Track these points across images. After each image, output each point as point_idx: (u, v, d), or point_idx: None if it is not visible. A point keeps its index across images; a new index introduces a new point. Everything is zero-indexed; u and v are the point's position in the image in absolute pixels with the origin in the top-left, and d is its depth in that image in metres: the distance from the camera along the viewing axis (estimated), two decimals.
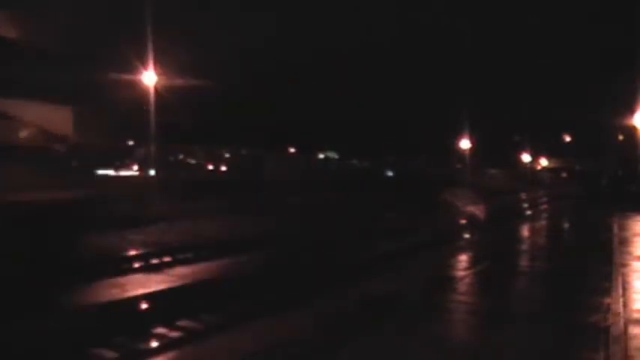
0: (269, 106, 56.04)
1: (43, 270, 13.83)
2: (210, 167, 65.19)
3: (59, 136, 36.68)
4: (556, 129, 74.53)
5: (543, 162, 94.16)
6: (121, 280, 13.24)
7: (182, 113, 42.10)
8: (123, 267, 14.44)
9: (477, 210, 29.85)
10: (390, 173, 70.25)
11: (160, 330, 9.85)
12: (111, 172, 52.11)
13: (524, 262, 16.05)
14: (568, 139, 77.63)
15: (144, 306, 11.23)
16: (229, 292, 12.26)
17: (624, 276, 12.31)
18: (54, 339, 9.11)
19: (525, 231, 23.81)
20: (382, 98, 62.65)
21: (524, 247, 19.35)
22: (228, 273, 14.16)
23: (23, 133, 33.88)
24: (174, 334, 9.70)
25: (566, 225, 28.11)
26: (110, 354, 8.75)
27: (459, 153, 62.74)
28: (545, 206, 43.51)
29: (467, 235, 23.03)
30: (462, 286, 11.85)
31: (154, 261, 15.27)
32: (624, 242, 18.24)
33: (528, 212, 36.67)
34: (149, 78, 31.70)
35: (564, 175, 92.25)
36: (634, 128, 36.05)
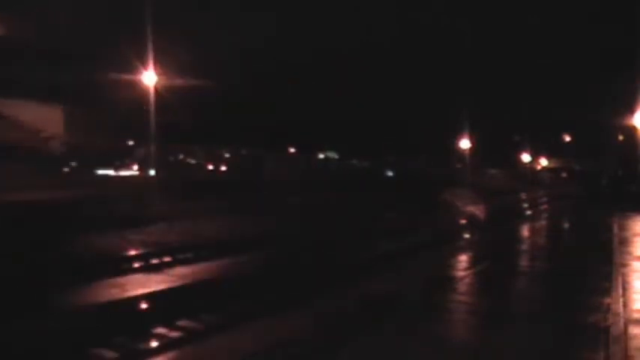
0: (269, 106, 56.06)
1: (43, 270, 13.84)
2: (210, 167, 65.27)
3: (57, 136, 36.73)
4: (556, 129, 74.53)
5: (543, 162, 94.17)
6: (121, 280, 13.24)
7: (182, 113, 42.11)
8: (123, 267, 14.44)
9: (477, 210, 29.85)
10: (390, 173, 70.33)
11: (160, 330, 9.85)
12: (111, 172, 52.15)
13: (524, 262, 16.04)
14: (568, 139, 77.62)
15: (144, 306, 11.23)
16: (229, 292, 12.26)
17: (624, 276, 12.31)
18: (54, 339, 9.11)
19: (525, 231, 23.80)
20: (382, 98, 62.66)
21: (524, 247, 19.34)
22: (228, 273, 14.15)
23: (21, 133, 33.90)
24: (174, 334, 9.70)
25: (566, 225, 28.10)
26: (110, 354, 8.75)
27: (459, 153, 62.77)
28: (545, 206, 43.50)
29: (467, 235, 23.03)
30: (462, 286, 11.85)
31: (154, 261, 15.27)
32: (624, 242, 18.24)
33: (528, 212, 36.66)
34: (149, 78, 31.70)
35: (564, 175, 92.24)
36: (634, 128, 36.05)
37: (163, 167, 48.01)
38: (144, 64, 31.63)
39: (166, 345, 8.71)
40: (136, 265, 14.85)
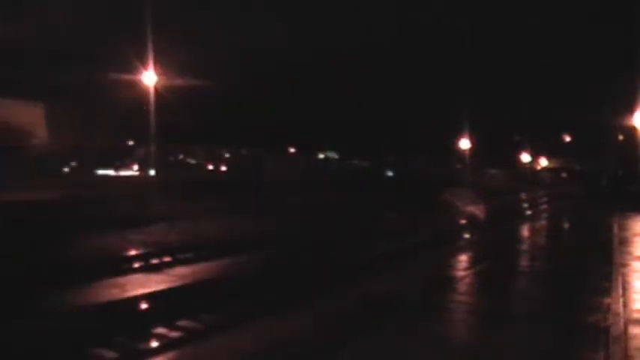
0: (269, 106, 56.10)
1: (43, 270, 13.84)
2: (210, 167, 65.31)
3: (41, 135, 36.68)
4: (556, 129, 74.56)
5: (543, 162, 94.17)
6: (121, 280, 13.23)
7: (182, 113, 42.13)
8: (123, 267, 14.43)
9: (477, 210, 29.85)
10: (390, 173, 70.32)
11: (160, 330, 9.84)
12: (111, 172, 52.18)
13: (524, 262, 16.04)
14: (568, 139, 77.63)
15: (144, 306, 11.22)
16: (229, 292, 12.25)
17: (624, 276, 12.31)
18: (54, 339, 9.11)
19: (525, 231, 23.80)
20: (382, 98, 62.72)
21: (524, 247, 19.34)
22: (228, 273, 14.15)
23: (14, 133, 33.89)
24: (174, 334, 9.69)
25: (566, 225, 28.10)
26: (110, 354, 8.75)
27: (459, 153, 62.77)
28: (545, 206, 43.49)
29: (467, 235, 23.02)
30: (462, 286, 11.85)
31: (154, 261, 15.26)
32: (624, 242, 18.24)
33: (528, 212, 36.65)
34: (149, 78, 31.71)
35: (564, 175, 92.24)
36: (634, 128, 36.06)
37: (163, 167, 48.04)
38: (144, 64, 31.66)
39: (166, 345, 8.70)
40: (136, 265, 14.84)
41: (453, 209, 30.99)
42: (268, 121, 58.45)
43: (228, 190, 36.34)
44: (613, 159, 62.70)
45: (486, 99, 61.65)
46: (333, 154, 78.84)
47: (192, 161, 66.79)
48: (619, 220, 25.41)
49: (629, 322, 8.71)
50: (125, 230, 19.68)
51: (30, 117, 35.34)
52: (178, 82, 37.80)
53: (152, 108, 31.91)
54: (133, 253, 16.07)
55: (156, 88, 32.08)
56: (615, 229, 21.74)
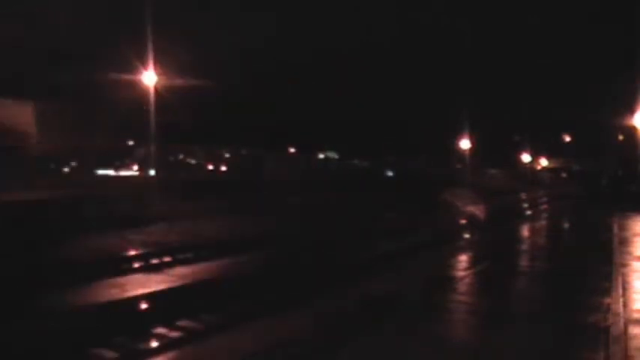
0: (269, 106, 56.10)
1: (42, 270, 13.84)
2: (210, 167, 65.28)
3: (45, 135, 36.62)
4: (556, 129, 74.58)
5: (543, 162, 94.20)
6: (121, 280, 13.24)
7: (182, 113, 42.09)
8: (123, 267, 14.44)
9: (477, 210, 29.86)
10: (390, 173, 70.31)
11: (160, 330, 9.85)
12: (111, 172, 52.18)
13: (524, 262, 16.05)
14: (568, 139, 77.65)
15: (144, 306, 11.23)
16: (229, 292, 12.26)
17: (624, 276, 12.32)
18: (54, 339, 9.11)
19: (525, 231, 23.80)
20: (382, 98, 62.74)
21: (524, 247, 19.35)
22: (228, 273, 14.15)
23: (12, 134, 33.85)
24: (174, 334, 9.70)
25: (566, 225, 28.10)
26: (110, 354, 8.75)
27: (459, 153, 62.76)
28: (545, 206, 43.51)
29: (467, 235, 23.03)
30: (462, 286, 11.85)
31: (154, 261, 15.27)
32: (624, 242, 18.24)
33: (528, 212, 36.66)
34: (149, 78, 31.69)
35: (564, 175, 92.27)
36: (634, 128, 36.06)
37: (163, 167, 48.00)
38: (144, 64, 31.65)
39: (166, 345, 8.71)
40: (136, 265, 14.85)
41: (453, 209, 31.01)
42: (268, 121, 58.46)
43: (228, 190, 36.31)
44: (613, 159, 62.72)
45: (486, 99, 61.69)
46: (333, 154, 78.85)
47: (193, 161, 66.77)
48: (619, 220, 25.42)
49: (629, 322, 8.71)
50: (125, 230, 19.69)
51: (18, 116, 35.18)
52: (178, 82, 37.79)
53: (152, 108, 31.89)
54: (132, 253, 16.07)
55: (156, 88, 32.07)
56: (615, 229, 21.74)
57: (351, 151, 75.88)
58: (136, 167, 56.67)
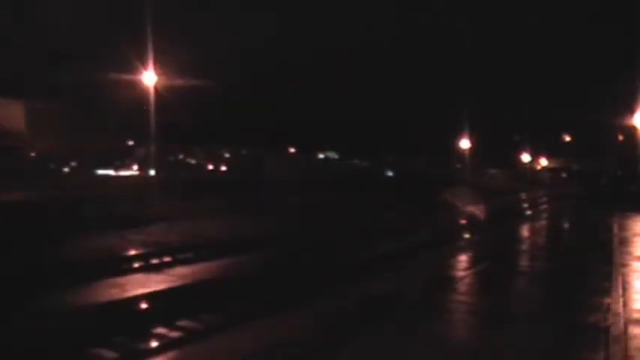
0: (269, 106, 56.14)
1: (42, 270, 13.84)
2: (210, 167, 65.29)
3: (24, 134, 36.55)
4: (556, 129, 74.61)
5: (543, 162, 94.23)
6: (121, 280, 13.23)
7: (182, 113, 42.11)
8: (123, 267, 14.44)
9: (477, 210, 29.85)
10: (390, 173, 70.27)
11: (160, 330, 9.86)
12: (111, 172, 52.19)
13: (524, 262, 16.05)
14: (568, 139, 77.66)
15: (143, 306, 11.23)
16: (229, 292, 12.27)
17: (624, 276, 12.32)
18: (54, 339, 9.11)
19: (525, 231, 23.81)
20: (382, 98, 62.77)
21: (524, 247, 19.35)
22: (228, 273, 14.16)
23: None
24: (174, 334, 9.70)
25: (566, 225, 28.11)
26: (110, 354, 8.76)
27: (459, 153, 62.75)
28: (545, 206, 43.52)
29: (467, 235, 23.03)
30: (462, 286, 11.86)
31: (154, 261, 15.27)
32: (624, 242, 18.25)
33: (528, 212, 36.68)
34: (149, 78, 31.71)
35: (564, 175, 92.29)
36: (634, 128, 36.08)
37: (163, 167, 48.02)
38: (144, 64, 31.67)
39: (166, 345, 8.71)
40: (136, 265, 14.85)
41: (453, 209, 31.00)
42: (268, 121, 58.50)
43: (228, 190, 36.36)
44: (613, 159, 62.72)
45: (486, 99, 61.71)
46: (333, 154, 78.87)
47: (193, 161, 66.80)
48: (619, 220, 25.43)
49: (629, 322, 8.72)
50: (125, 230, 19.70)
51: (9, 116, 35.03)
52: (178, 82, 37.85)
53: (152, 108, 31.93)
54: (132, 253, 16.08)
55: (156, 88, 32.09)
56: (615, 229, 21.75)
57: (351, 151, 75.91)
58: (136, 167, 56.69)
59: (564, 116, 64.95)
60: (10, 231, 17.47)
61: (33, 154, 39.15)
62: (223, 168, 64.49)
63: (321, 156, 76.91)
